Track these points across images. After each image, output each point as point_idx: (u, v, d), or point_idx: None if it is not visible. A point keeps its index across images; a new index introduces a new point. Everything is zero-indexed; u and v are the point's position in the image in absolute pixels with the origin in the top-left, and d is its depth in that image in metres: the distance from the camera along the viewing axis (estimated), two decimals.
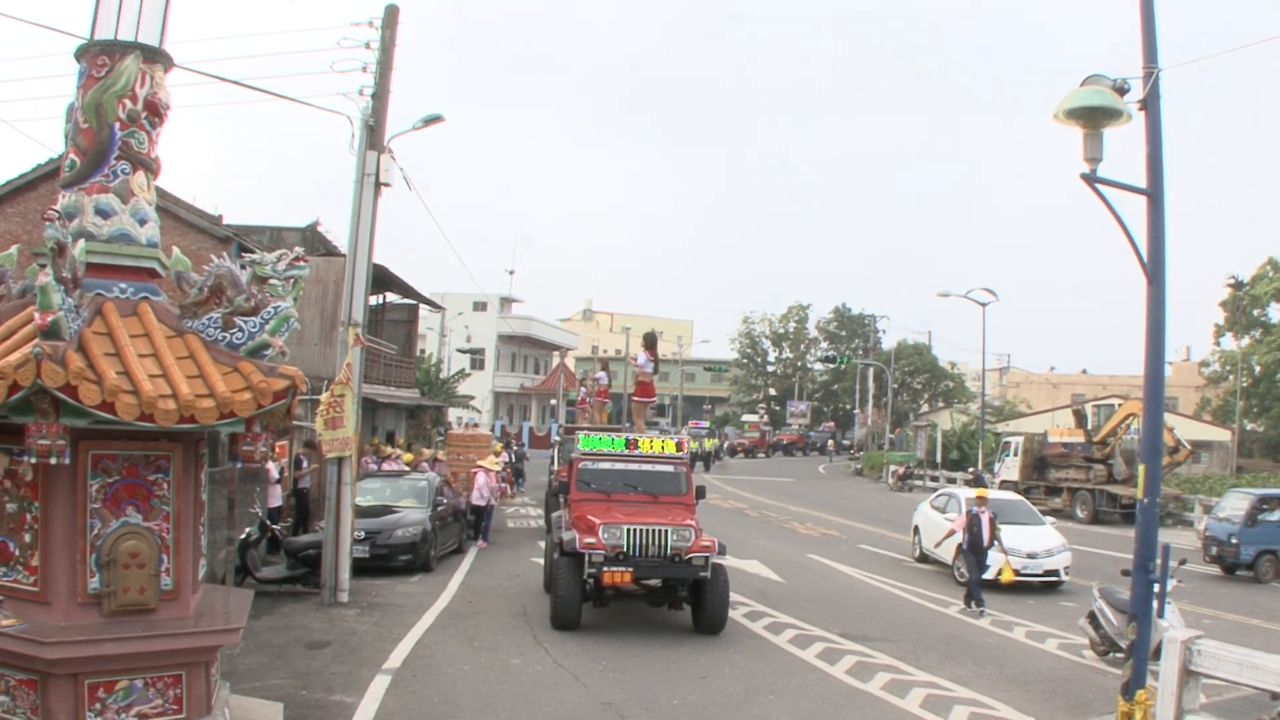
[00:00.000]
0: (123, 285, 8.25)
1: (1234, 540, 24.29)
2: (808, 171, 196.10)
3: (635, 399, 21.24)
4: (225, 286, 8.51)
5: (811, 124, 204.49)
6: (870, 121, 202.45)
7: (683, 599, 15.69)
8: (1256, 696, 10.74)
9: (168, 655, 8.01)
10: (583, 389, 41.18)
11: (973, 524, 18.22)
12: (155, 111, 8.42)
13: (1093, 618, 14.96)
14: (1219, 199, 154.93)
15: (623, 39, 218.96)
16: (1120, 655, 12.75)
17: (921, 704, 12.08)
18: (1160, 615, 10.58)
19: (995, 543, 18.29)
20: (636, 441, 17.37)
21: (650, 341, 20.53)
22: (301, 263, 8.87)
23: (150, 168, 8.52)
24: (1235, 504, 25.84)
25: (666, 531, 15.08)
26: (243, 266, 8.68)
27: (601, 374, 35.43)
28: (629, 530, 15.02)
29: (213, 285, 8.52)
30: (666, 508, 16.18)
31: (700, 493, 17.06)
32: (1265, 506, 25.07)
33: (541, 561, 19.74)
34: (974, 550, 18.03)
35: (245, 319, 8.43)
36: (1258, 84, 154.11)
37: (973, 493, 20.32)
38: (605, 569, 14.89)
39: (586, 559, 14.93)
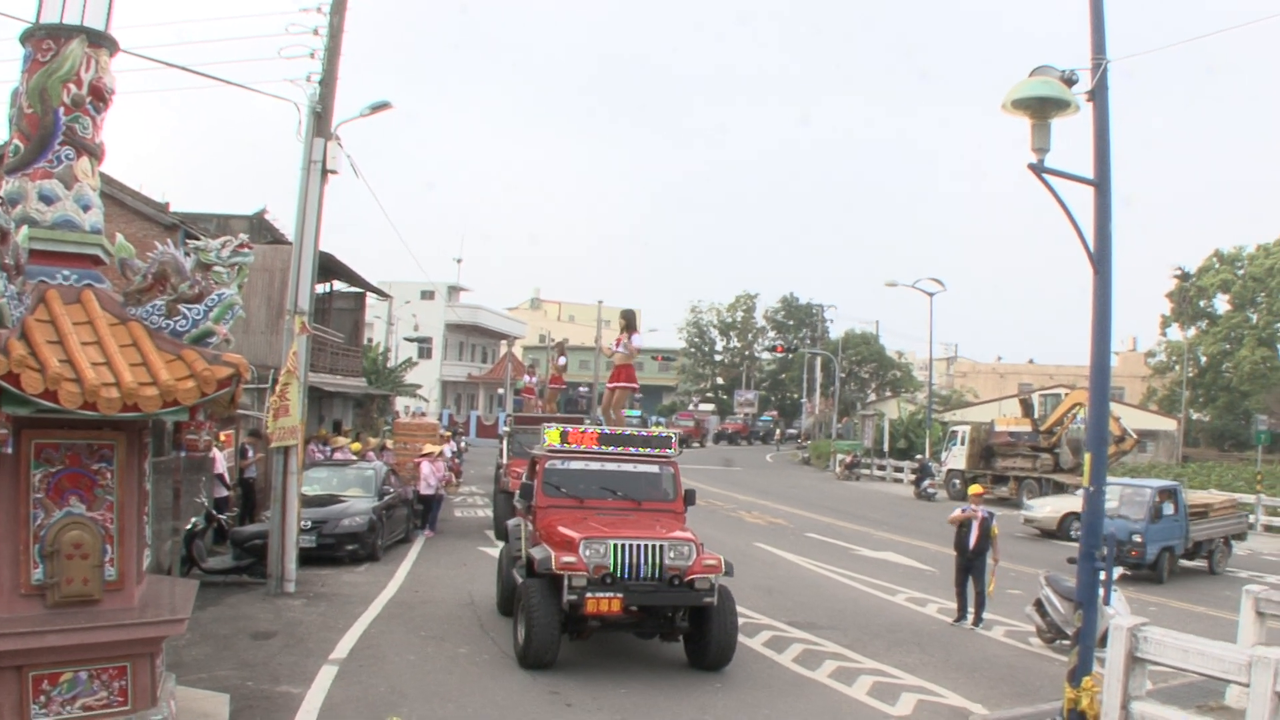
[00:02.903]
0: (66, 272, 8.11)
1: (1137, 538, 21.83)
2: (755, 160, 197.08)
3: (614, 384, 17.43)
4: (169, 274, 8.41)
5: (760, 112, 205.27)
6: (819, 110, 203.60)
7: (681, 629, 13.09)
8: (1201, 683, 10.92)
9: (112, 646, 7.91)
10: (528, 377, 40.85)
11: (961, 525, 16.63)
12: (100, 96, 8.29)
13: (1039, 605, 15.12)
14: (1166, 191, 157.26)
15: (568, 26, 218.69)
16: (1066, 642, 12.91)
17: (869, 691, 12.17)
18: (1106, 602, 10.72)
19: (990, 550, 16.32)
20: (615, 435, 14.81)
21: (630, 320, 17.28)
22: (246, 250, 8.83)
23: (95, 153, 8.39)
24: (1119, 497, 23.03)
25: (661, 547, 12.55)
26: (187, 254, 8.60)
27: (562, 358, 34.70)
28: (615, 546, 12.46)
29: (156, 272, 8.42)
30: (653, 516, 13.84)
31: (690, 497, 14.82)
32: (1160, 499, 22.93)
33: (492, 553, 19.40)
34: (959, 552, 16.63)
35: (189, 306, 8.35)
36: (1204, 77, 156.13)
37: None
38: (589, 595, 12.19)
39: (566, 582, 12.23)
